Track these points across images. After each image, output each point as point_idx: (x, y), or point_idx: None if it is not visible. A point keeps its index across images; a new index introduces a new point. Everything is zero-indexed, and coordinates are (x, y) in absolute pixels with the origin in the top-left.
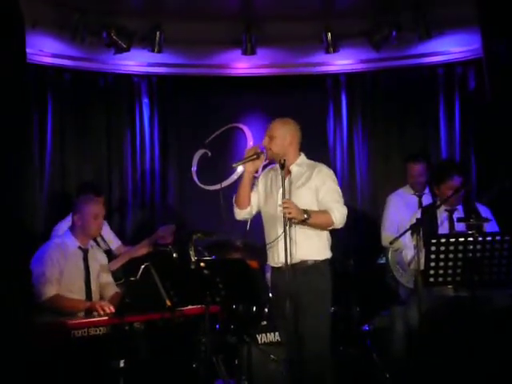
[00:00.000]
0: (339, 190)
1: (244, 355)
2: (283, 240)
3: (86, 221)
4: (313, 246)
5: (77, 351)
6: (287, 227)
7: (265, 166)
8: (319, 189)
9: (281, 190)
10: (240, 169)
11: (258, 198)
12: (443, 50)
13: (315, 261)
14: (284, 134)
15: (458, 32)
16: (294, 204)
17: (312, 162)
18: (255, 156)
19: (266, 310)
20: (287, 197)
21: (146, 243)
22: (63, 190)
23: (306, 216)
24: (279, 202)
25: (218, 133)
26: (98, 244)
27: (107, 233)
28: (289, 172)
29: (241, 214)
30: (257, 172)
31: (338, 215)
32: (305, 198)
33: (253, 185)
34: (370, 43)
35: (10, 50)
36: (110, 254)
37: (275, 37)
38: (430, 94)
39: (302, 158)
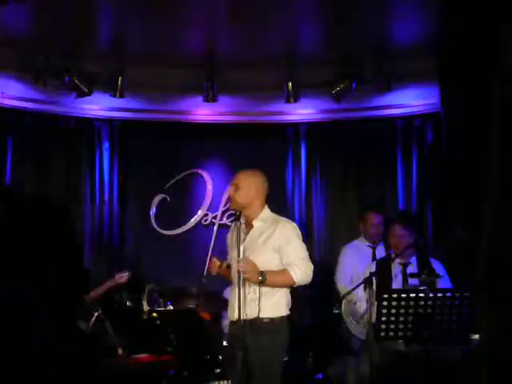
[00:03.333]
0: (304, 246)
1: None
2: (238, 296)
3: None
4: (269, 304)
5: None
6: (244, 284)
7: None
8: (282, 247)
9: (242, 245)
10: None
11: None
12: (402, 103)
13: (270, 318)
14: (250, 186)
15: (417, 85)
16: (252, 264)
17: (276, 216)
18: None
19: (220, 357)
20: (249, 253)
21: (100, 290)
22: None
23: (260, 278)
24: (240, 257)
25: (177, 178)
26: None
27: None
28: (251, 227)
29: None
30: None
31: (299, 273)
32: (265, 256)
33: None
34: (330, 94)
35: None
36: None
37: (237, 85)
38: (389, 145)
39: (266, 211)
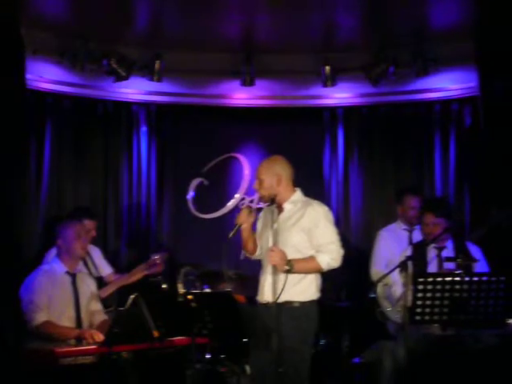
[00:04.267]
0: (334, 229)
1: None
2: (270, 279)
3: (69, 242)
4: (299, 288)
5: (64, 379)
6: (274, 268)
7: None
8: (311, 230)
9: (274, 225)
10: (232, 202)
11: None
12: (440, 87)
13: (301, 302)
14: (271, 176)
15: (454, 69)
16: (280, 253)
17: (307, 199)
18: (243, 222)
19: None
20: (279, 235)
21: (138, 271)
22: (59, 216)
23: (287, 267)
24: (270, 240)
25: (215, 162)
26: (89, 270)
27: (99, 259)
28: (281, 210)
29: (252, 257)
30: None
31: (327, 259)
32: (295, 239)
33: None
34: (367, 78)
35: (10, 76)
36: (101, 282)
37: (274, 69)
38: (426, 129)
39: (298, 194)
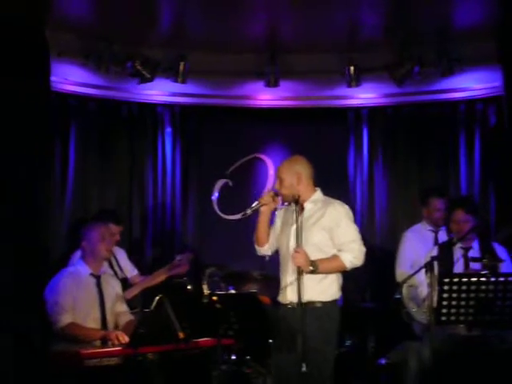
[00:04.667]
0: (355, 228)
1: None
2: (291, 280)
3: (93, 244)
4: (321, 288)
5: (89, 381)
6: (296, 268)
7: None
8: (333, 229)
9: (293, 227)
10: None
11: (276, 234)
12: (464, 87)
13: (322, 302)
14: (291, 176)
15: (479, 69)
16: (304, 254)
17: (327, 198)
18: (266, 203)
19: None
20: (300, 235)
21: (162, 272)
22: (84, 219)
23: (312, 268)
24: (291, 240)
25: (239, 163)
26: (115, 272)
27: (124, 261)
28: (302, 209)
29: (260, 251)
30: (275, 210)
31: (351, 257)
32: (316, 238)
33: (272, 221)
34: (392, 78)
35: (35, 78)
36: (126, 283)
37: (298, 69)
38: (451, 129)
39: (318, 194)
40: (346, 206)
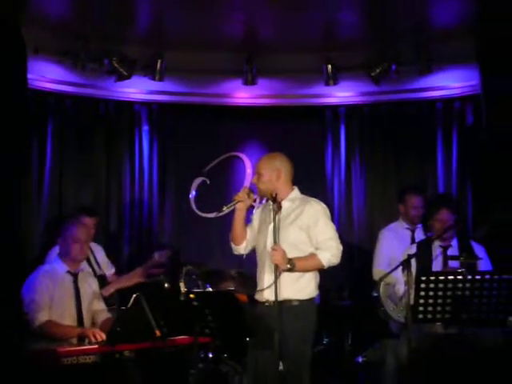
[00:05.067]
0: (332, 226)
1: None
2: (268, 278)
3: (67, 244)
4: (298, 286)
5: (66, 379)
6: (273, 266)
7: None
8: (310, 227)
9: (271, 225)
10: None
11: (253, 233)
12: (442, 85)
13: (300, 300)
14: (270, 171)
15: (456, 67)
16: (282, 252)
17: (305, 196)
18: (240, 201)
19: None
20: (277, 233)
21: (140, 271)
22: (60, 216)
23: (289, 266)
24: (269, 238)
25: (217, 161)
26: (93, 269)
27: (102, 258)
28: (280, 207)
29: (236, 249)
30: (253, 207)
31: (328, 256)
32: (293, 236)
33: (249, 220)
34: (369, 76)
35: (11, 75)
36: (104, 280)
37: (276, 68)
38: (428, 128)
39: (295, 192)
40: (323, 205)
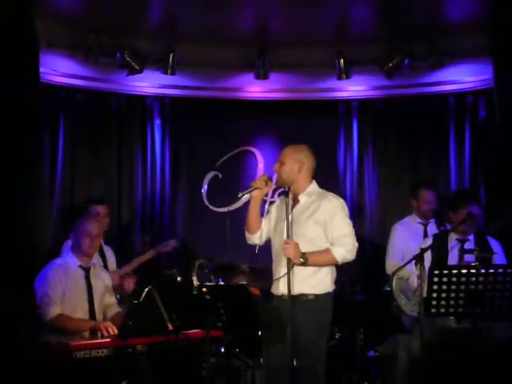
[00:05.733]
0: (349, 222)
1: (248, 379)
2: (284, 272)
3: (79, 238)
4: (313, 281)
5: (78, 372)
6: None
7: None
8: (327, 222)
9: (289, 217)
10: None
11: (270, 225)
12: (454, 79)
13: (315, 295)
14: (294, 161)
15: (469, 62)
16: (295, 246)
17: (322, 191)
18: (258, 188)
19: None
20: (294, 228)
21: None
22: (73, 210)
23: (302, 260)
24: (285, 232)
25: (229, 155)
26: (105, 262)
27: (112, 258)
28: (297, 201)
29: (250, 238)
30: (266, 195)
31: (343, 252)
32: (311, 231)
33: (267, 212)
34: (382, 70)
35: (24, 69)
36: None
37: (288, 62)
38: (441, 122)
39: (313, 186)
40: (341, 200)
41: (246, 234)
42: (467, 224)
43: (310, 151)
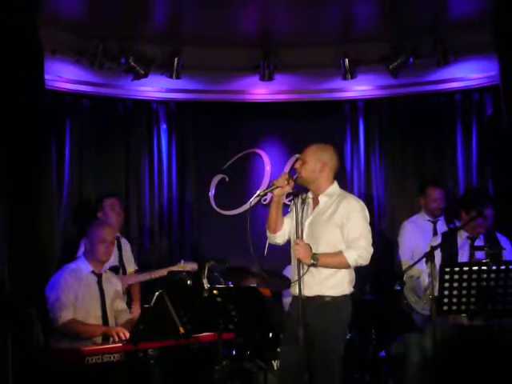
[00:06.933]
0: (366, 226)
1: (260, 381)
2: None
3: (93, 245)
4: (331, 282)
5: (91, 377)
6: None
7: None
8: (344, 224)
9: (308, 220)
10: (253, 199)
11: (292, 223)
12: (461, 77)
13: (332, 297)
14: (316, 161)
15: (475, 59)
16: (305, 246)
17: (343, 192)
18: (279, 186)
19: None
20: (314, 229)
21: (163, 271)
22: (80, 217)
23: (313, 261)
24: (304, 234)
25: (235, 158)
26: (122, 262)
27: (128, 253)
28: (317, 202)
29: (272, 238)
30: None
31: (355, 256)
32: (331, 234)
33: (289, 211)
34: (387, 69)
35: (29, 76)
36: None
37: (293, 63)
38: (448, 120)
39: (334, 186)
40: (361, 202)
41: (268, 233)
42: (478, 225)
43: (333, 151)
